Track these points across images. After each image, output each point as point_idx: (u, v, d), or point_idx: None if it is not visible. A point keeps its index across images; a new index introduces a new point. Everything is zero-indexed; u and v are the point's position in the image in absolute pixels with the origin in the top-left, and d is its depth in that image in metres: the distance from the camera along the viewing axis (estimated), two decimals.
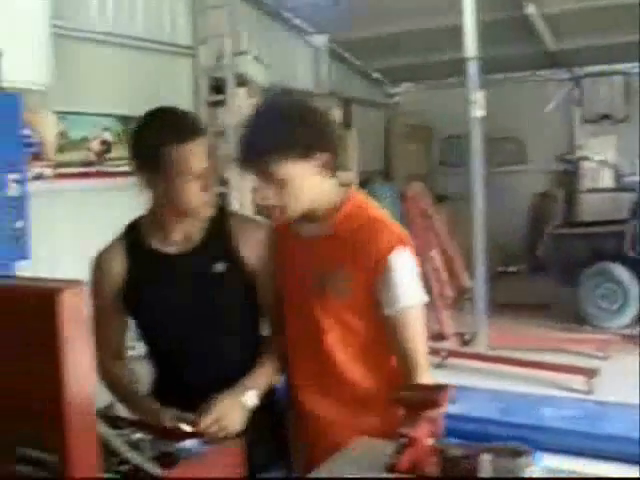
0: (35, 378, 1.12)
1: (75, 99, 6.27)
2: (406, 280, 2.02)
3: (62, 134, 6.18)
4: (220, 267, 2.14)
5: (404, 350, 2.03)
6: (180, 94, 7.36)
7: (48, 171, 6.01)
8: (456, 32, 6.76)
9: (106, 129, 6.56)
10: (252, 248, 2.20)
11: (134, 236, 2.21)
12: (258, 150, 2.02)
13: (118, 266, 2.17)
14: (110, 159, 6.60)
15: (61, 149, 6.16)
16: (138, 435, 1.63)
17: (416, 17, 8.75)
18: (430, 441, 1.66)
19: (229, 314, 2.21)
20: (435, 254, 6.75)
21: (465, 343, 6.60)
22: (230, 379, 2.08)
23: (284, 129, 2.00)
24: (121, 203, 6.70)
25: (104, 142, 6.54)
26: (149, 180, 2.09)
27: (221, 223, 2.20)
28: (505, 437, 4.20)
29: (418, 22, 8.84)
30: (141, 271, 2.16)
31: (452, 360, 6.27)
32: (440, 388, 1.75)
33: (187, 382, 2.16)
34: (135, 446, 1.56)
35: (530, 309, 8.03)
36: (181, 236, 2.16)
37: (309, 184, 2.04)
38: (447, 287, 6.74)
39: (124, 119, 6.68)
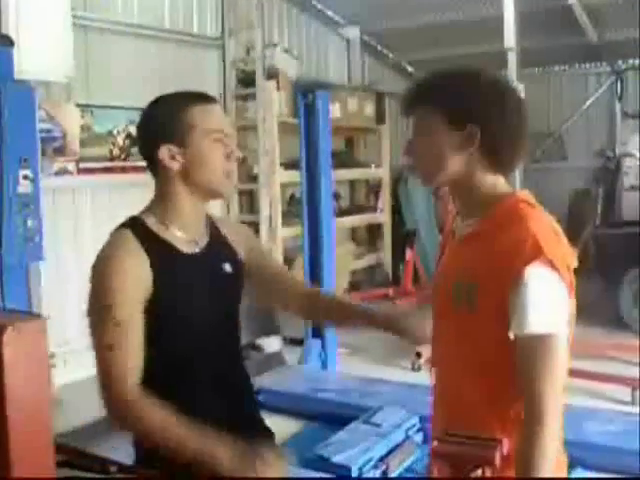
0: None
1: (100, 92, 6.15)
2: (542, 302, 1.62)
3: (86, 128, 6.04)
4: (228, 268, 2.06)
5: (527, 388, 1.63)
6: (208, 87, 7.18)
7: (71, 166, 5.87)
8: (493, 23, 6.53)
9: (132, 122, 6.39)
10: (243, 247, 2.16)
11: (146, 232, 1.94)
12: (417, 92, 1.81)
13: (145, 269, 1.88)
14: (136, 153, 6.43)
15: (85, 143, 6.01)
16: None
17: (451, 8, 8.54)
18: None
19: (237, 315, 2.14)
20: None
21: None
22: (242, 387, 2.11)
23: (451, 84, 1.78)
24: (146, 198, 6.68)
25: (129, 136, 6.38)
26: (167, 154, 1.90)
27: (213, 225, 2.10)
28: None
29: (453, 13, 8.62)
30: (167, 270, 1.92)
31: None
32: (492, 442, 1.46)
33: (209, 391, 1.99)
34: None
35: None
36: (193, 234, 2.00)
37: (446, 153, 1.73)
38: None
39: None
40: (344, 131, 8.91)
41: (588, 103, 10.24)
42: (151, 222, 1.96)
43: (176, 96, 1.98)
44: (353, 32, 9.45)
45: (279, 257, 7.44)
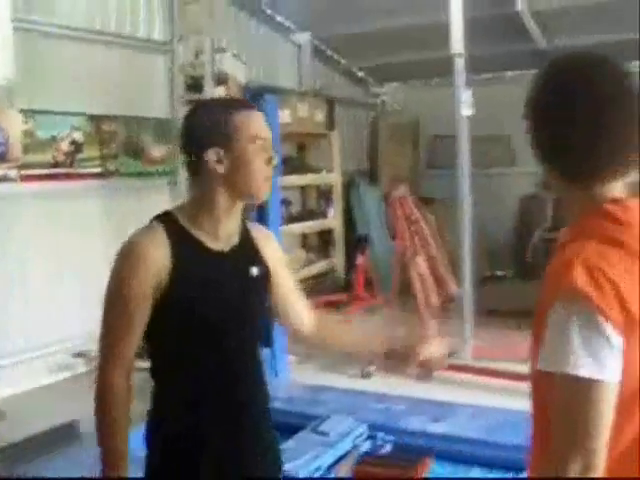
0: None
1: (43, 97, 6.01)
2: (557, 339, 1.43)
3: (29, 133, 5.90)
4: (255, 271, 2.10)
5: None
6: (155, 92, 7.13)
7: (13, 172, 5.73)
8: (443, 29, 6.53)
9: (76, 129, 6.27)
10: (270, 256, 2.18)
11: (175, 226, 1.99)
12: None
13: (163, 257, 1.93)
14: (81, 160, 6.31)
15: (28, 149, 5.87)
16: None
17: (402, 14, 8.53)
18: None
19: (260, 319, 2.17)
20: (421, 260, 6.49)
21: (451, 354, 6.33)
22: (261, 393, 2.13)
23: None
24: (92, 205, 6.57)
25: (74, 142, 6.25)
26: (214, 158, 1.97)
27: (245, 228, 2.14)
28: (491, 458, 3.98)
29: (404, 19, 8.61)
30: (190, 265, 1.95)
31: (438, 372, 6.00)
32: (411, 461, 1.42)
33: (232, 392, 2.03)
34: None
35: (518, 316, 7.77)
36: (225, 232, 2.04)
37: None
38: (433, 294, 6.48)
39: (95, 118, 6.42)
40: (295, 137, 8.87)
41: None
42: (183, 218, 2.01)
43: (222, 101, 2.13)
44: (304, 38, 9.42)
45: None
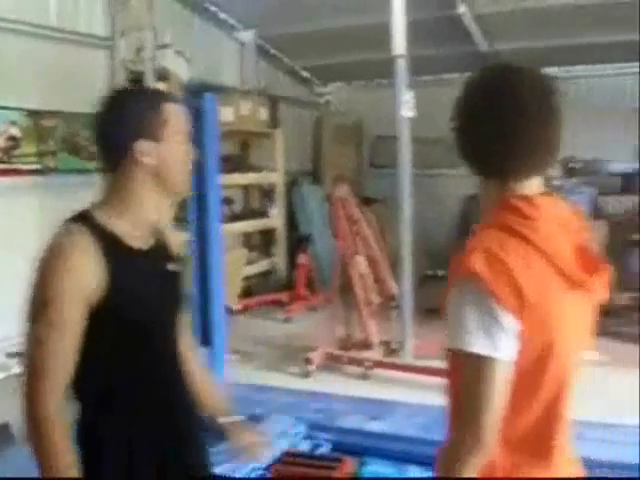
0: None
1: None
2: (456, 318, 1.57)
3: None
4: (172, 267, 2.07)
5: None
6: (96, 88, 6.95)
7: None
8: (387, 30, 6.57)
9: (13, 123, 6.14)
10: (176, 250, 2.15)
11: (98, 228, 1.87)
12: None
13: (95, 266, 1.82)
14: (18, 156, 6.18)
15: None
16: None
17: (347, 14, 8.56)
18: None
19: (179, 315, 2.12)
20: (361, 259, 6.51)
21: (391, 352, 6.38)
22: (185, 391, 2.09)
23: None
24: (29, 202, 6.44)
25: (11, 137, 6.12)
26: (142, 150, 1.89)
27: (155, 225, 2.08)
28: (428, 457, 4.02)
29: (349, 19, 8.65)
30: (119, 268, 1.85)
31: (377, 371, 6.05)
32: (333, 461, 1.47)
33: (163, 391, 2.00)
34: None
35: None
36: (144, 230, 1.98)
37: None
38: (373, 293, 6.51)
39: (34, 113, 6.29)
40: (238, 135, 8.84)
41: None
42: (103, 216, 1.91)
43: (146, 92, 2.08)
44: (248, 36, 9.37)
45: None
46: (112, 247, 1.86)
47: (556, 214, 1.66)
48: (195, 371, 2.21)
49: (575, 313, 1.63)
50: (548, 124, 1.65)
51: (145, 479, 1.92)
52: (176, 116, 1.94)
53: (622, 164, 9.71)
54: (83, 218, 1.89)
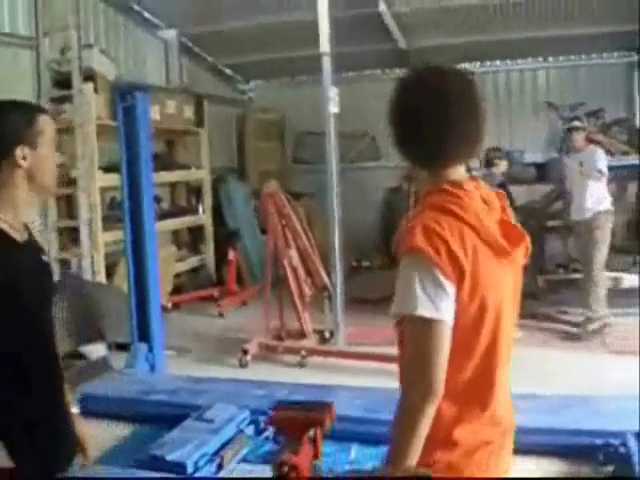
0: None
1: None
2: (403, 288, 1.79)
3: None
4: (45, 258, 2.32)
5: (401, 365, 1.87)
6: (20, 88, 6.95)
7: None
8: (309, 28, 6.72)
9: None
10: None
11: None
12: None
13: None
14: None
15: None
16: None
17: (268, 12, 8.70)
18: (310, 469, 1.56)
19: (54, 298, 2.39)
20: (292, 252, 6.68)
21: (325, 340, 6.58)
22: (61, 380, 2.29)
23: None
24: None
25: None
26: (21, 154, 2.14)
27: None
28: (373, 435, 4.22)
29: (271, 17, 8.79)
30: (10, 260, 2.08)
31: (313, 358, 6.24)
32: (321, 406, 1.66)
33: (50, 375, 2.22)
34: None
35: (385, 303, 8.12)
36: (20, 225, 2.21)
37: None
38: (305, 285, 6.69)
39: None
40: (163, 133, 8.88)
41: None
42: None
43: (22, 103, 2.26)
44: (171, 34, 9.43)
45: (101, 262, 7.33)
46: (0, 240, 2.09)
47: (480, 195, 1.92)
48: None
49: (503, 277, 1.89)
50: (470, 119, 1.89)
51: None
52: (49, 126, 2.23)
53: (535, 154, 10.18)
54: None
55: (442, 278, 1.76)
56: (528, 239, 1.95)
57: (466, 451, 1.84)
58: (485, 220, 1.87)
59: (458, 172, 1.93)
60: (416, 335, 1.78)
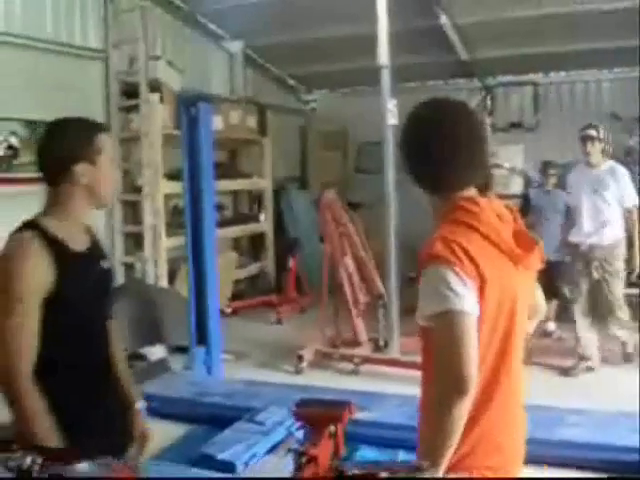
0: None
1: None
2: (428, 292, 1.93)
3: None
4: (106, 264, 2.48)
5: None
6: (91, 98, 7.24)
7: None
8: (371, 40, 6.81)
9: (13, 133, 6.37)
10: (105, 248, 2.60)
11: (47, 235, 2.23)
12: None
13: (46, 267, 2.19)
14: (18, 165, 6.40)
15: None
16: (29, 460, 1.58)
17: (331, 24, 8.81)
18: (330, 460, 1.66)
19: (112, 303, 2.57)
20: (348, 260, 6.78)
21: (379, 349, 6.65)
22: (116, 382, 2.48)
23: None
24: (29, 210, 6.64)
25: (10, 147, 6.35)
26: (80, 171, 2.27)
27: (88, 228, 2.47)
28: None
29: (333, 29, 8.90)
30: (68, 271, 2.23)
31: (366, 366, 6.32)
32: (341, 404, 1.76)
33: (93, 381, 2.34)
34: (28, 472, 1.52)
35: None
36: (82, 235, 2.38)
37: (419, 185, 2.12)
38: (360, 293, 6.78)
39: (31, 124, 6.50)
40: (227, 143, 9.07)
41: None
42: (49, 225, 2.26)
43: (84, 121, 2.40)
44: (236, 46, 9.63)
45: (163, 267, 7.54)
46: (58, 251, 2.22)
47: (493, 208, 2.05)
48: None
49: (519, 284, 2.02)
50: (475, 150, 2.05)
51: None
52: (108, 144, 2.38)
53: None
54: (32, 226, 2.25)
55: (465, 277, 1.88)
56: (541, 245, 2.08)
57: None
58: (499, 230, 2.01)
59: (469, 191, 2.07)
60: (447, 330, 1.86)
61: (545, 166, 7.62)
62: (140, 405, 2.57)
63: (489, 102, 10.76)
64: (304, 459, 1.63)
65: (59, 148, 2.31)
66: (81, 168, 2.28)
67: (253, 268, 9.72)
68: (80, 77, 7.16)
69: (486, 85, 10.90)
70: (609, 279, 6.12)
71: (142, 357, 6.37)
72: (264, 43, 9.72)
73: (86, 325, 2.33)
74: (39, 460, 1.58)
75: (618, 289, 6.19)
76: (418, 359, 6.06)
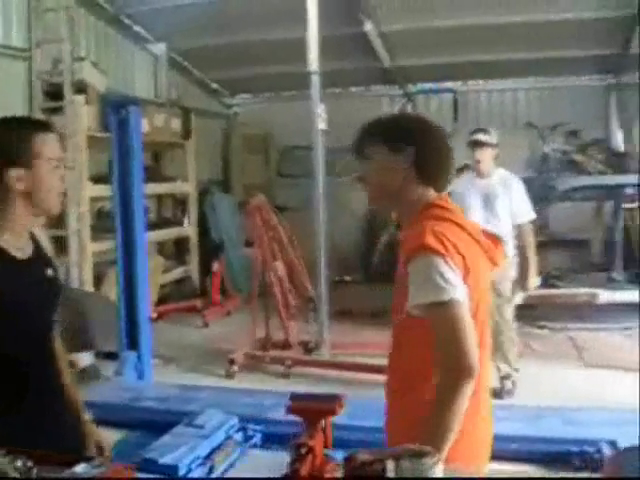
0: None
1: None
2: (421, 281, 2.00)
3: None
4: (50, 272, 2.28)
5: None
6: (14, 98, 7.07)
7: None
8: (295, 45, 6.87)
9: None
10: (49, 249, 2.38)
11: None
12: (361, 134, 2.25)
13: None
14: None
15: None
16: (19, 462, 1.57)
17: (255, 29, 8.87)
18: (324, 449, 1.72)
19: (54, 314, 2.37)
20: (279, 264, 6.82)
21: (309, 351, 6.71)
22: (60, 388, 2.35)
23: (384, 123, 2.26)
24: None
25: None
26: (15, 176, 2.10)
27: (32, 234, 2.30)
28: (357, 441, 4.35)
29: (257, 34, 8.97)
30: (8, 279, 2.10)
31: (297, 368, 6.38)
32: (332, 398, 1.82)
33: (36, 392, 2.21)
34: (27, 474, 1.52)
35: (366, 316, 8.30)
36: (23, 242, 2.20)
37: (387, 171, 2.16)
38: (290, 296, 6.83)
39: None
40: (151, 146, 8.98)
41: None
42: None
43: (18, 121, 2.22)
44: (160, 48, 9.57)
45: (89, 272, 7.42)
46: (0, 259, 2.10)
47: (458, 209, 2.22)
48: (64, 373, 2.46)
49: (486, 276, 2.19)
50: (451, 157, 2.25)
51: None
52: (48, 145, 2.16)
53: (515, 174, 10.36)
54: None
55: (453, 266, 1.98)
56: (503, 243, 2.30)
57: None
58: (474, 228, 2.18)
59: (442, 193, 2.22)
60: (448, 320, 1.94)
61: (459, 172, 7.79)
62: (87, 416, 2.50)
63: (409, 109, 10.99)
64: (304, 450, 1.67)
65: None
66: (15, 173, 2.10)
67: (178, 272, 9.64)
68: (2, 77, 6.97)
69: (407, 92, 11.13)
70: (498, 302, 5.38)
71: (71, 363, 6.24)
72: (188, 46, 9.72)
73: (30, 331, 2.20)
74: (29, 463, 1.57)
75: (507, 312, 5.63)
76: (347, 360, 6.20)
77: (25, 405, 2.16)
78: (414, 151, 2.13)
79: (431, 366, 1.97)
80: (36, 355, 2.24)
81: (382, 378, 5.43)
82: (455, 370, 1.91)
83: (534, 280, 5.71)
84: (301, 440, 1.75)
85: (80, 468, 1.54)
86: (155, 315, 8.41)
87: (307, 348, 6.76)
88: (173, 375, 6.38)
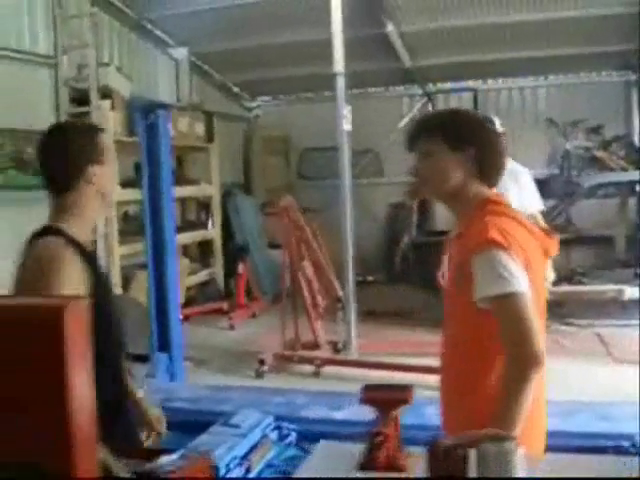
0: (39, 395, 1.10)
1: None
2: (488, 274, 2.05)
3: None
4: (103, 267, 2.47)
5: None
6: (40, 105, 7.13)
7: None
8: (314, 47, 6.89)
9: None
10: None
11: (70, 239, 2.21)
12: (416, 129, 2.32)
13: (81, 271, 2.18)
14: None
15: None
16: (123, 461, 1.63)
17: (275, 31, 8.91)
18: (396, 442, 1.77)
19: None
20: (307, 264, 6.86)
21: (338, 351, 6.75)
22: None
23: (441, 120, 2.34)
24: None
25: None
26: (94, 172, 2.27)
27: None
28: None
29: (277, 36, 9.01)
30: (92, 270, 2.23)
31: (326, 368, 6.41)
32: (405, 387, 1.86)
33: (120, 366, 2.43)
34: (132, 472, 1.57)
35: (390, 316, 8.33)
36: (91, 237, 2.43)
37: (448, 169, 2.20)
38: (319, 297, 6.87)
39: None
40: (175, 150, 9.03)
41: (403, 122, 10.87)
42: (69, 229, 2.25)
43: (83, 124, 2.48)
44: (182, 53, 9.64)
45: (117, 274, 7.48)
46: (85, 255, 2.22)
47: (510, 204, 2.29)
48: None
49: (542, 268, 2.27)
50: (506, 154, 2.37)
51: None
52: (107, 142, 2.40)
53: (537, 171, 10.37)
54: (55, 231, 2.22)
55: (517, 261, 2.04)
56: (557, 236, 2.30)
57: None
58: (529, 223, 2.25)
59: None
60: (516, 311, 2.00)
61: None
62: (141, 393, 2.65)
63: (430, 108, 11.00)
64: (379, 438, 1.71)
65: (70, 152, 2.29)
66: (92, 170, 2.28)
67: (202, 275, 9.70)
68: (29, 83, 7.04)
69: (427, 92, 11.14)
70: None
71: None
72: (208, 50, 9.78)
73: (110, 323, 2.30)
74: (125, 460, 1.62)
75: None
76: (375, 360, 6.20)
77: (123, 406, 2.38)
78: (474, 150, 2.19)
79: (494, 360, 2.04)
80: (114, 344, 2.36)
81: (411, 376, 5.51)
82: (523, 359, 1.97)
83: (550, 275, 5.75)
84: (378, 429, 1.80)
85: (165, 460, 1.59)
86: (181, 317, 8.47)
87: (336, 348, 6.80)
88: (204, 376, 6.43)
